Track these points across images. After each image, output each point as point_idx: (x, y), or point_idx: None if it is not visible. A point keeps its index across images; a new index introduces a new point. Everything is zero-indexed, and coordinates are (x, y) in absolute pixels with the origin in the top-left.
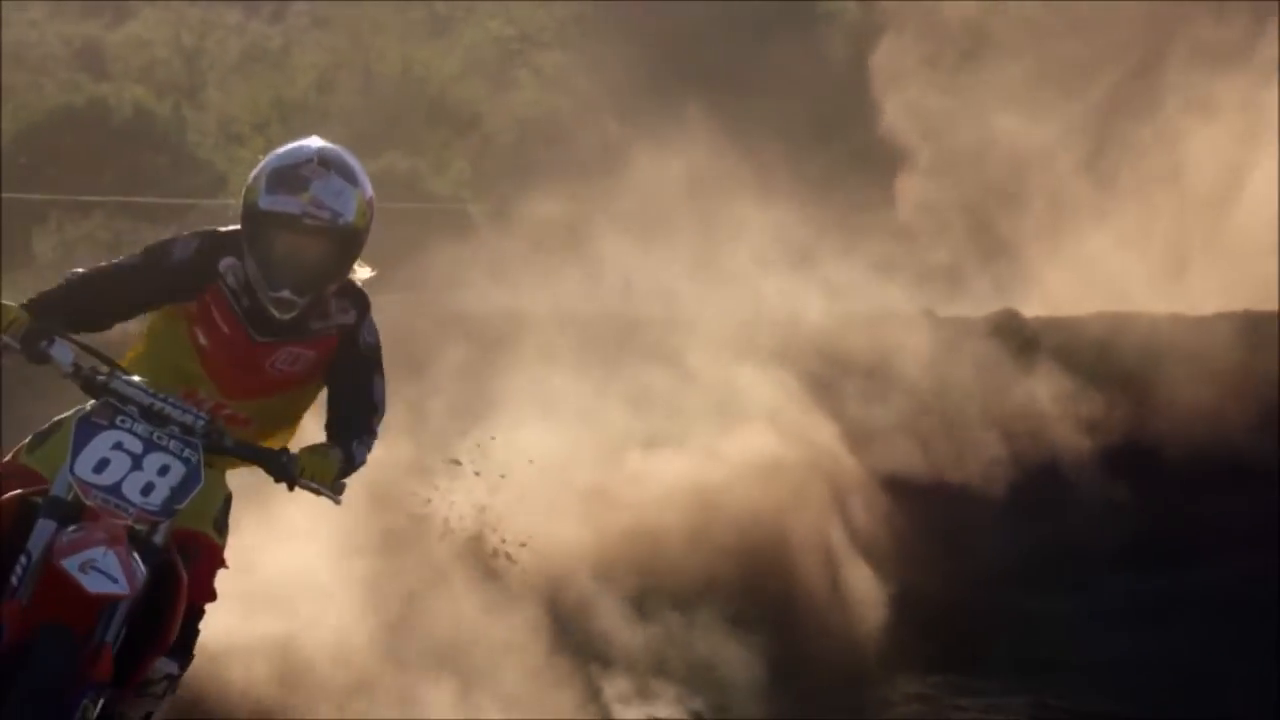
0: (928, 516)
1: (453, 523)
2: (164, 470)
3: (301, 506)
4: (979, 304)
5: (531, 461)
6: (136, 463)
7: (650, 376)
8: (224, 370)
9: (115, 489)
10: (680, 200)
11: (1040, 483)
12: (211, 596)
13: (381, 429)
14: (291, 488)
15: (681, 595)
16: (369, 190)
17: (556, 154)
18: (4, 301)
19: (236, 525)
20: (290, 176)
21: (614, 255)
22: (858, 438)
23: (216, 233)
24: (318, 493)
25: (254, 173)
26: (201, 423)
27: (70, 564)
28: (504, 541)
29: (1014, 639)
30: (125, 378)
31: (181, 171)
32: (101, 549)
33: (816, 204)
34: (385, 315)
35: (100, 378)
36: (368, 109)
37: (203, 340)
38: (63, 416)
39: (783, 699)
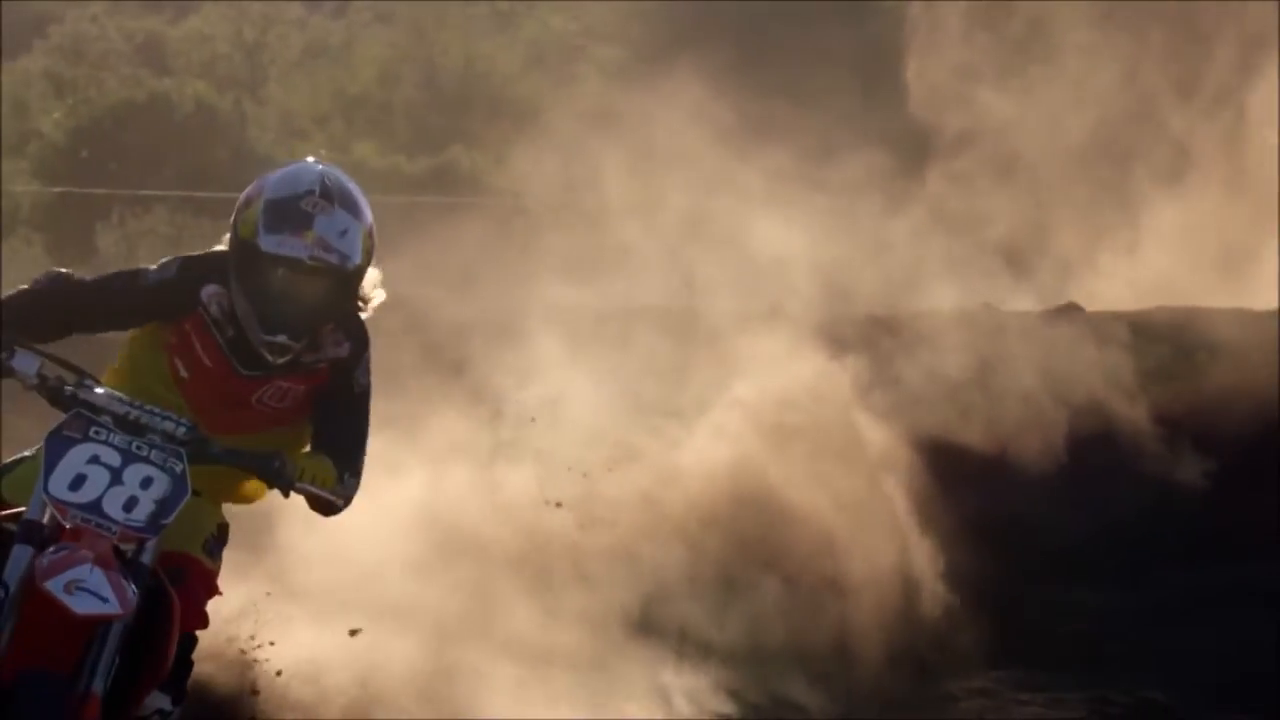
0: (988, 509)
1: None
2: (147, 483)
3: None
4: (1033, 298)
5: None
6: (116, 477)
7: (707, 369)
8: (207, 405)
9: (95, 506)
10: (740, 196)
11: (1102, 475)
12: (203, 623)
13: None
14: (287, 493)
15: (728, 583)
16: (370, 218)
17: (616, 148)
18: None
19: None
20: (291, 212)
21: (671, 248)
22: (915, 425)
23: (198, 257)
24: (318, 498)
25: (246, 197)
26: (184, 429)
27: (54, 585)
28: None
29: (1076, 633)
30: (96, 386)
31: (242, 166)
32: (88, 567)
33: (873, 195)
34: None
35: (69, 389)
36: (430, 104)
37: (183, 372)
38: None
39: (839, 693)
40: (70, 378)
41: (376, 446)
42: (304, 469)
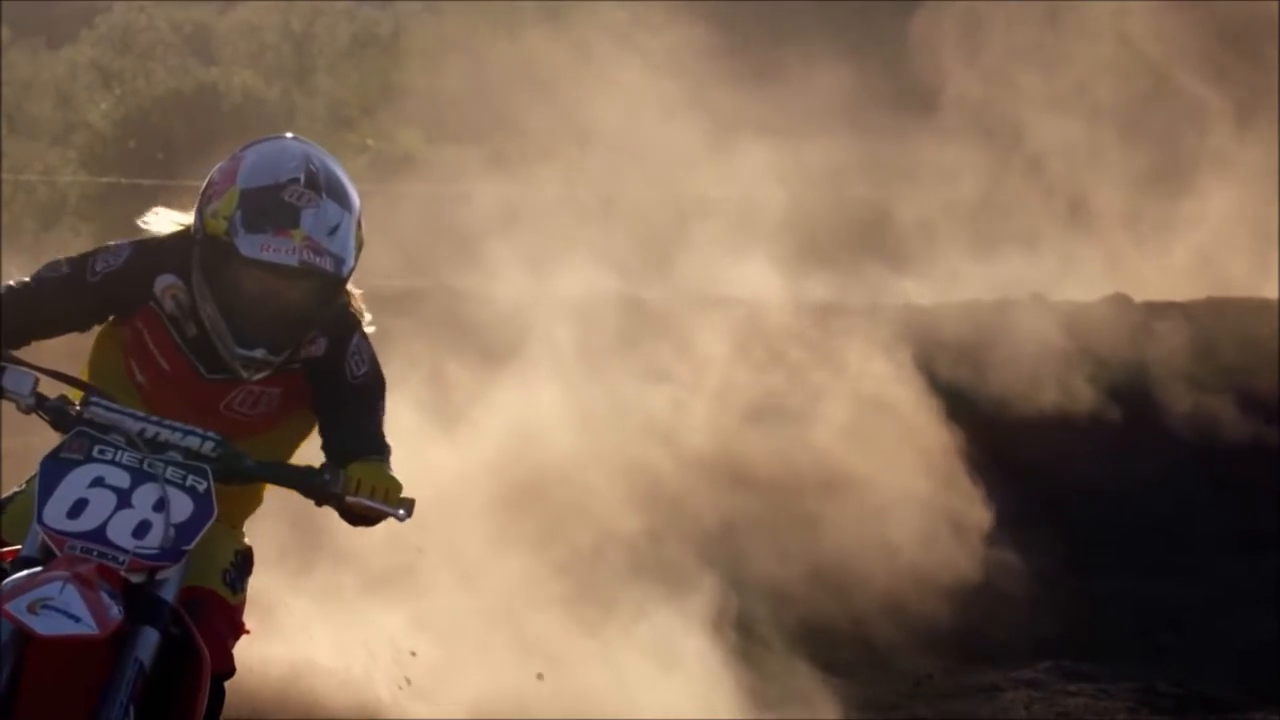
0: (1038, 497)
1: None
2: (161, 504)
3: None
4: (1078, 288)
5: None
6: (124, 499)
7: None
8: (169, 413)
9: (98, 534)
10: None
11: (1152, 464)
12: (229, 667)
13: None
14: (343, 510)
15: (773, 578)
16: (358, 205)
17: (661, 140)
18: None
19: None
20: (273, 206)
21: (709, 240)
22: (965, 416)
23: (151, 242)
24: (375, 512)
25: (214, 182)
26: (210, 443)
27: (15, 607)
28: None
29: (1126, 623)
30: (105, 401)
31: None
32: (58, 585)
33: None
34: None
35: (73, 407)
36: (477, 94)
37: (139, 377)
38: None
39: (884, 682)
40: (73, 396)
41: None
42: (358, 480)
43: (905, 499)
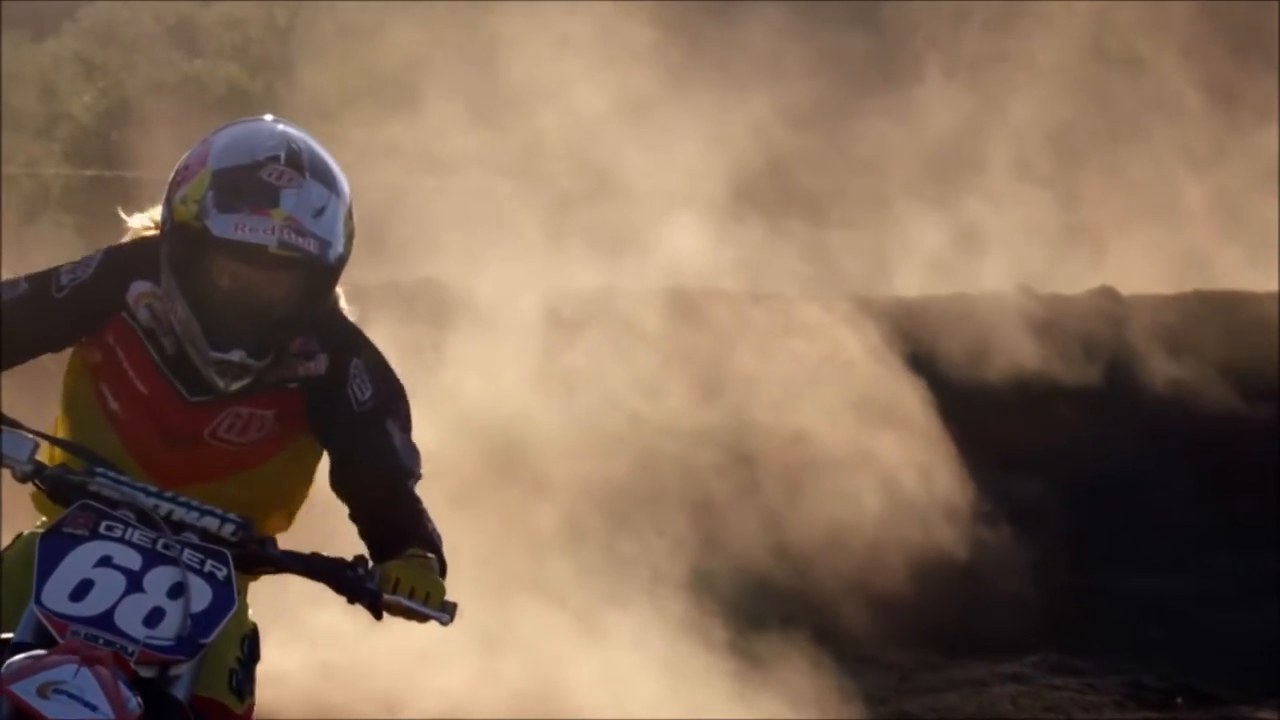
0: (1025, 491)
1: None
2: (177, 590)
3: None
4: (1065, 281)
5: None
6: (134, 582)
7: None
8: (147, 446)
9: (105, 620)
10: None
11: (1139, 458)
12: None
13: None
14: (378, 612)
15: (753, 569)
16: (348, 193)
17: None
18: None
19: None
20: (249, 184)
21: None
22: (950, 411)
23: (124, 247)
24: (414, 614)
25: (183, 168)
26: (231, 526)
27: (23, 688)
28: None
29: (1111, 618)
30: (112, 474)
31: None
32: (73, 668)
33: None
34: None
35: (75, 476)
36: (460, 87)
37: (112, 404)
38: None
39: (872, 675)
40: (77, 463)
41: None
42: (396, 578)
43: (890, 492)
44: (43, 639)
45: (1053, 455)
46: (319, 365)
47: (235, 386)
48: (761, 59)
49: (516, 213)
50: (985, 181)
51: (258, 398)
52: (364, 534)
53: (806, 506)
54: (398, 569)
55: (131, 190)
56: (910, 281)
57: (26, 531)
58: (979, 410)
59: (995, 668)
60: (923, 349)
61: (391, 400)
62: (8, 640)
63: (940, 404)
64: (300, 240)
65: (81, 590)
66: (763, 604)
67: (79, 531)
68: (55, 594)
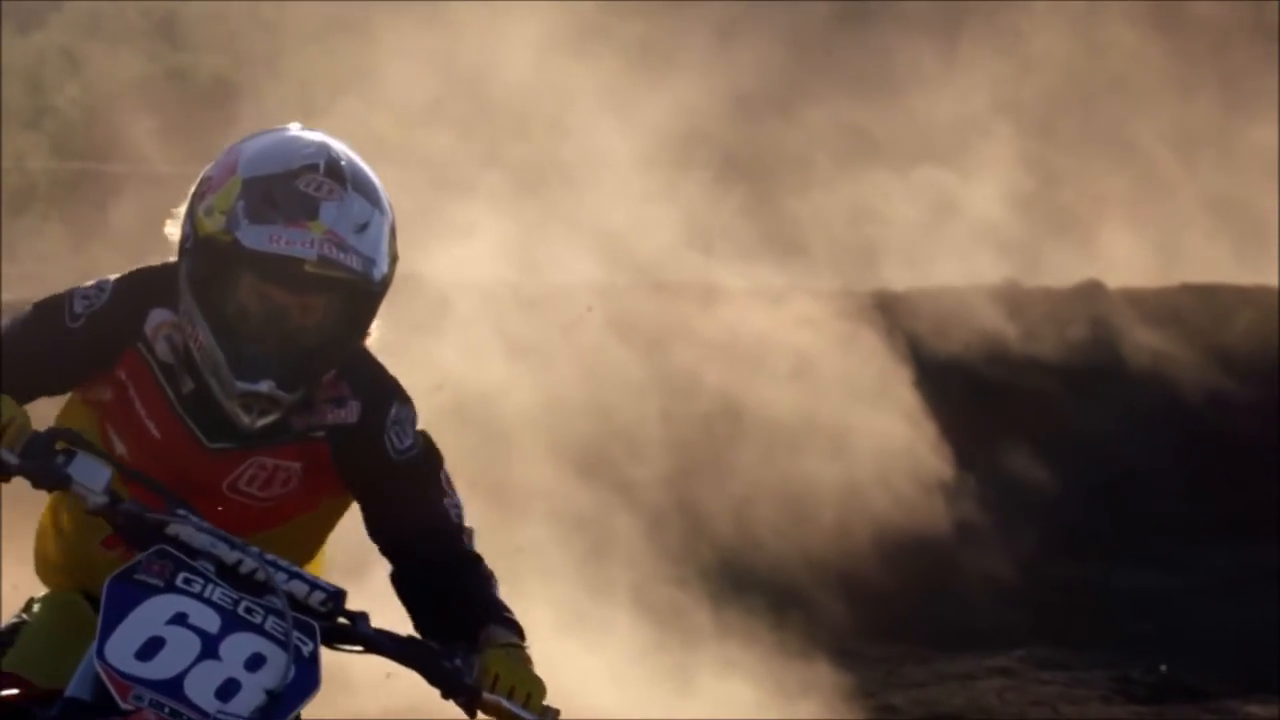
0: (1012, 485)
1: None
2: (256, 662)
3: None
4: (1050, 275)
5: None
6: (210, 647)
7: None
8: (158, 498)
9: (174, 687)
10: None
11: (1127, 452)
12: None
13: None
14: (472, 711)
15: (739, 561)
16: (391, 211)
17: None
18: None
19: None
20: (285, 194)
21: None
22: (941, 407)
23: (140, 273)
24: (512, 718)
25: (209, 178)
26: (321, 594)
27: None
28: None
29: (1098, 613)
30: (195, 518)
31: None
32: None
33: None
34: None
35: (153, 515)
36: (448, 81)
37: (119, 448)
38: (28, 608)
39: (858, 669)
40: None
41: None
42: (496, 674)
43: (876, 486)
44: (102, 696)
45: (1041, 449)
46: (350, 413)
47: (262, 423)
48: (727, 31)
49: (485, 195)
50: (970, 168)
51: (283, 447)
52: (412, 599)
53: (792, 499)
54: (497, 662)
55: (115, 184)
56: (895, 273)
57: (41, 597)
58: (966, 404)
59: (982, 661)
60: (908, 342)
61: (433, 451)
62: (60, 694)
63: (924, 396)
64: (342, 256)
65: (150, 649)
66: (747, 596)
67: (153, 580)
68: (121, 649)
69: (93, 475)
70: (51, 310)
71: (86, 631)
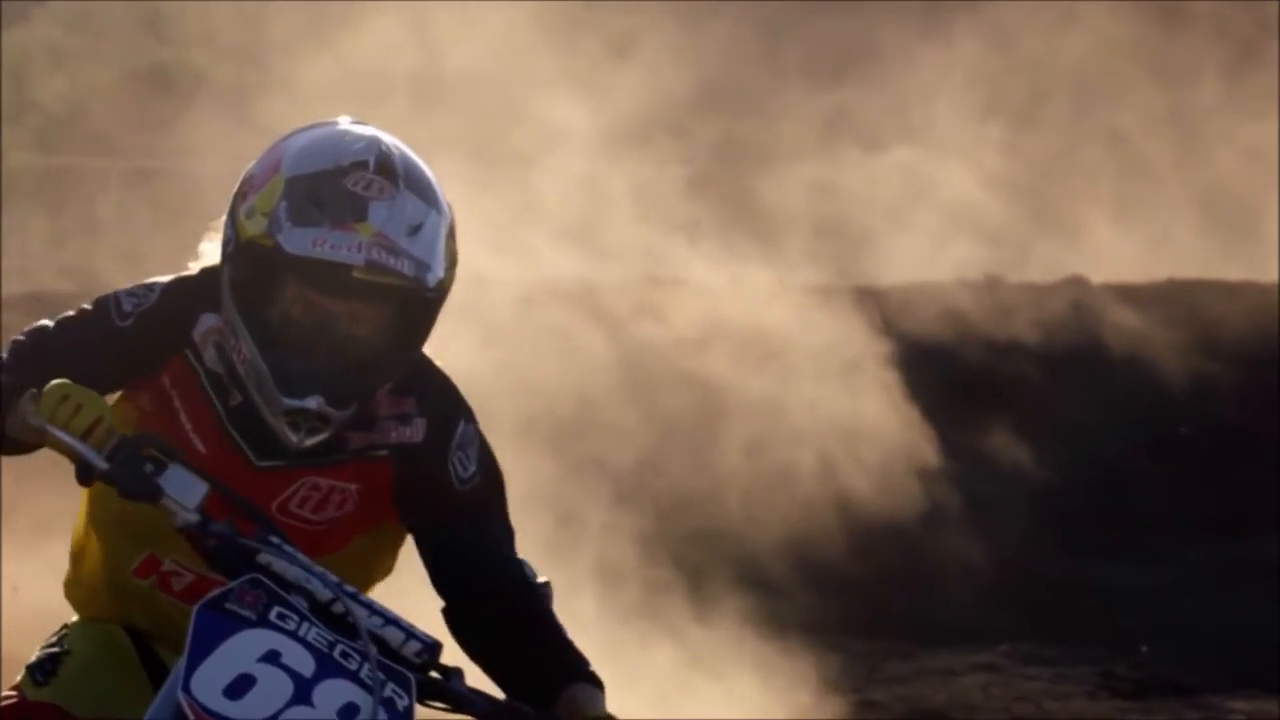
0: (996, 480)
1: None
2: (350, 712)
3: None
4: (1033, 270)
5: None
6: (303, 691)
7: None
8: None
9: None
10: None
11: (1111, 447)
12: None
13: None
14: None
15: (726, 558)
16: (449, 210)
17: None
18: (65, 384)
19: None
20: (332, 193)
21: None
22: (925, 404)
23: (188, 277)
24: None
25: (251, 177)
26: (418, 644)
27: None
28: None
29: (1083, 609)
30: (289, 548)
31: (245, 137)
32: None
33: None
34: None
35: (246, 541)
36: (433, 75)
37: None
38: (63, 635)
39: (841, 663)
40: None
41: None
42: None
43: (861, 481)
44: None
45: (1027, 445)
46: (416, 431)
47: (311, 442)
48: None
49: (457, 182)
50: (954, 159)
51: (339, 468)
52: (475, 642)
53: (772, 492)
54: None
55: (100, 178)
56: (876, 265)
57: (72, 623)
58: (949, 399)
59: (966, 657)
60: (892, 338)
61: (497, 480)
62: None
63: (909, 392)
64: (392, 261)
65: (240, 687)
66: (726, 588)
67: (245, 612)
68: (208, 684)
69: (187, 490)
70: (98, 310)
71: (129, 666)
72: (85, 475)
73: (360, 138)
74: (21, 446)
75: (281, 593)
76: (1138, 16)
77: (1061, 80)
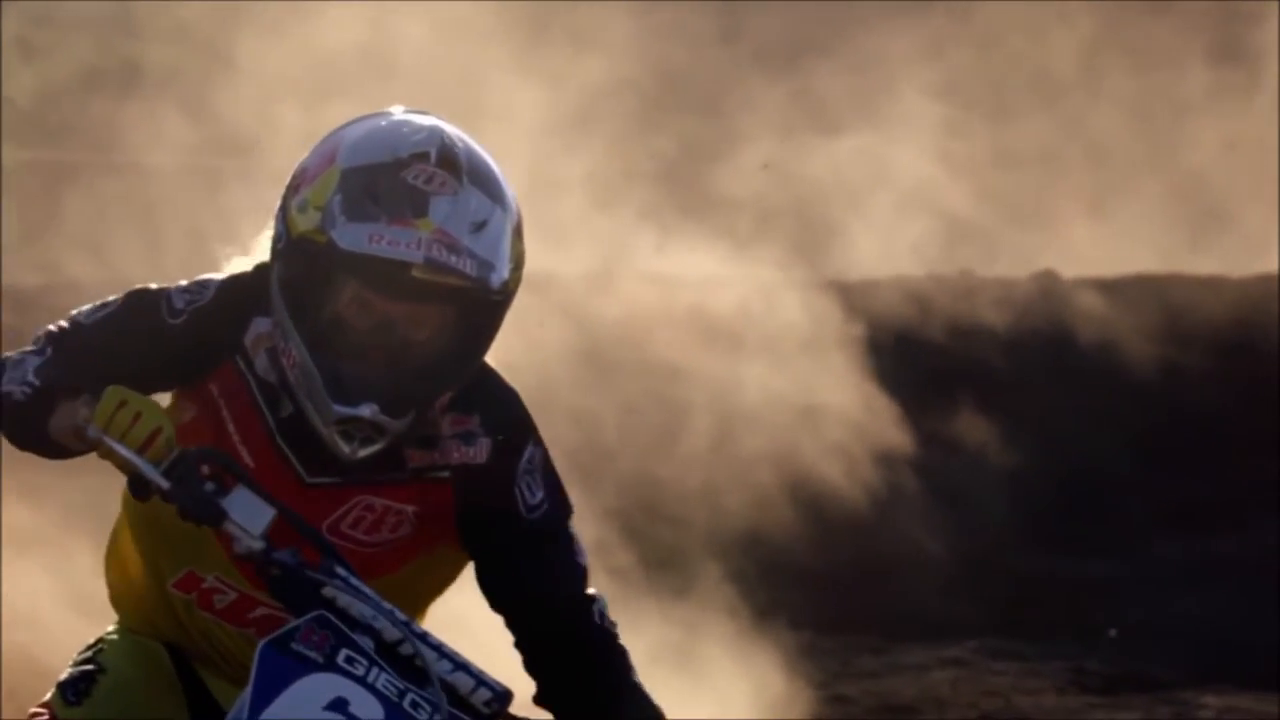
0: (965, 475)
1: None
2: None
3: None
4: (1004, 265)
5: None
6: None
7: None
8: None
9: None
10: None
11: (1081, 442)
12: None
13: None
14: None
15: (695, 551)
16: (515, 207)
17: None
18: (121, 389)
19: None
20: (390, 187)
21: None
22: (896, 400)
23: (241, 277)
24: None
25: (304, 170)
26: (488, 694)
27: None
28: None
29: (1052, 603)
30: (356, 581)
31: (214, 132)
32: None
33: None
34: None
35: (313, 574)
36: (388, 66)
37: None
38: (98, 649)
39: (811, 659)
40: (307, 559)
41: None
42: None
43: (830, 478)
44: None
45: (996, 441)
46: (479, 452)
47: (364, 453)
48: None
49: None
50: (925, 154)
51: (397, 487)
52: (544, 683)
53: (738, 484)
54: None
55: (69, 173)
56: (847, 259)
57: (110, 634)
58: (920, 394)
59: (936, 651)
60: (862, 332)
61: (564, 506)
62: None
63: (878, 389)
64: (454, 259)
65: None
66: (696, 584)
67: (312, 654)
68: None
69: (253, 515)
70: (147, 304)
71: (166, 686)
72: (142, 491)
73: (421, 128)
74: (62, 451)
75: (349, 632)
76: (1112, 7)
77: (1034, 72)
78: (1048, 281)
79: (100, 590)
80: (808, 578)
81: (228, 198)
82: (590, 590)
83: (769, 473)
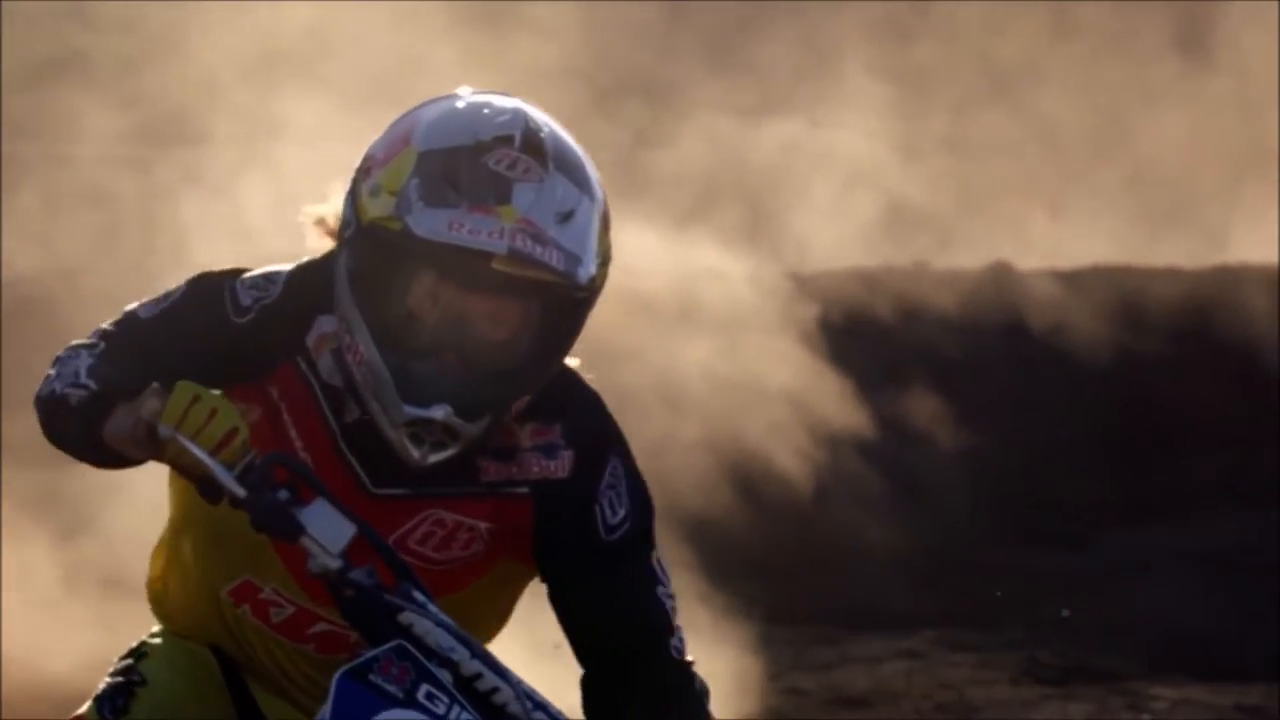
0: (922, 467)
1: None
2: None
3: None
4: (959, 255)
5: None
6: None
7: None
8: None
9: None
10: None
11: (1036, 434)
12: None
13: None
14: None
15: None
16: (603, 198)
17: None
18: (196, 388)
19: None
20: (471, 172)
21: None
22: (849, 387)
23: (308, 267)
24: None
25: (376, 154)
26: None
27: None
28: None
29: (1007, 594)
30: (431, 606)
31: (168, 122)
32: None
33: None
34: None
35: (391, 598)
36: (365, 59)
37: None
38: (139, 655)
39: (765, 650)
40: (387, 582)
41: None
42: None
43: (783, 466)
44: None
45: (949, 430)
46: (561, 465)
47: (434, 459)
48: None
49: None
50: (876, 142)
51: (472, 501)
52: (604, 713)
53: (689, 470)
54: None
55: (23, 166)
56: (801, 249)
57: (153, 636)
58: (873, 382)
59: (890, 643)
60: (816, 323)
61: (647, 523)
62: None
63: (831, 377)
64: (539, 250)
65: None
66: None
67: (391, 688)
68: None
69: (333, 531)
70: (210, 297)
71: (213, 699)
72: (214, 496)
73: (504, 110)
74: (111, 458)
75: (429, 665)
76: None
77: (990, 60)
78: (1002, 272)
79: (54, 582)
80: (760, 568)
81: (172, 187)
82: (674, 620)
83: (717, 460)
